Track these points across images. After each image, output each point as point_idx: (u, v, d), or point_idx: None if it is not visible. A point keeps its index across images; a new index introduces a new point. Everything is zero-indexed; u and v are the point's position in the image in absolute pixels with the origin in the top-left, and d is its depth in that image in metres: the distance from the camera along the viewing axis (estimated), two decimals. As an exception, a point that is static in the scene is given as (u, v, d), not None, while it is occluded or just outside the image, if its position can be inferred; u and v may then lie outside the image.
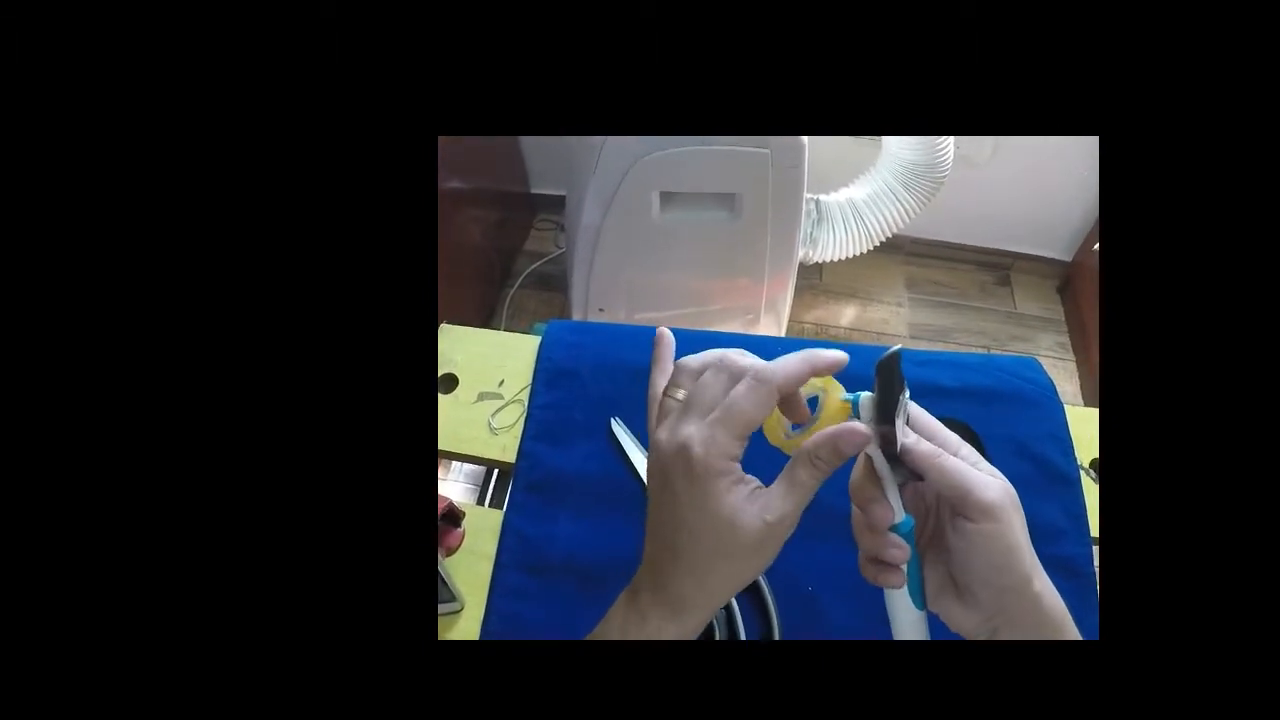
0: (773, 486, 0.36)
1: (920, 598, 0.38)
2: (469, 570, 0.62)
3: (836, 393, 0.37)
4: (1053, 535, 0.61)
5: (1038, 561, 0.36)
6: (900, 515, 0.37)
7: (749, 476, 0.36)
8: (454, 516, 0.62)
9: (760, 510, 0.35)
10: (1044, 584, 0.37)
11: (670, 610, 0.37)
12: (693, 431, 0.35)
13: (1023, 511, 0.36)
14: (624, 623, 0.37)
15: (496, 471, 0.81)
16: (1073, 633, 0.37)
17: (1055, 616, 0.36)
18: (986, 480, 0.36)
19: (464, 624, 0.60)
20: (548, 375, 0.70)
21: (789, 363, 0.35)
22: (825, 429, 0.35)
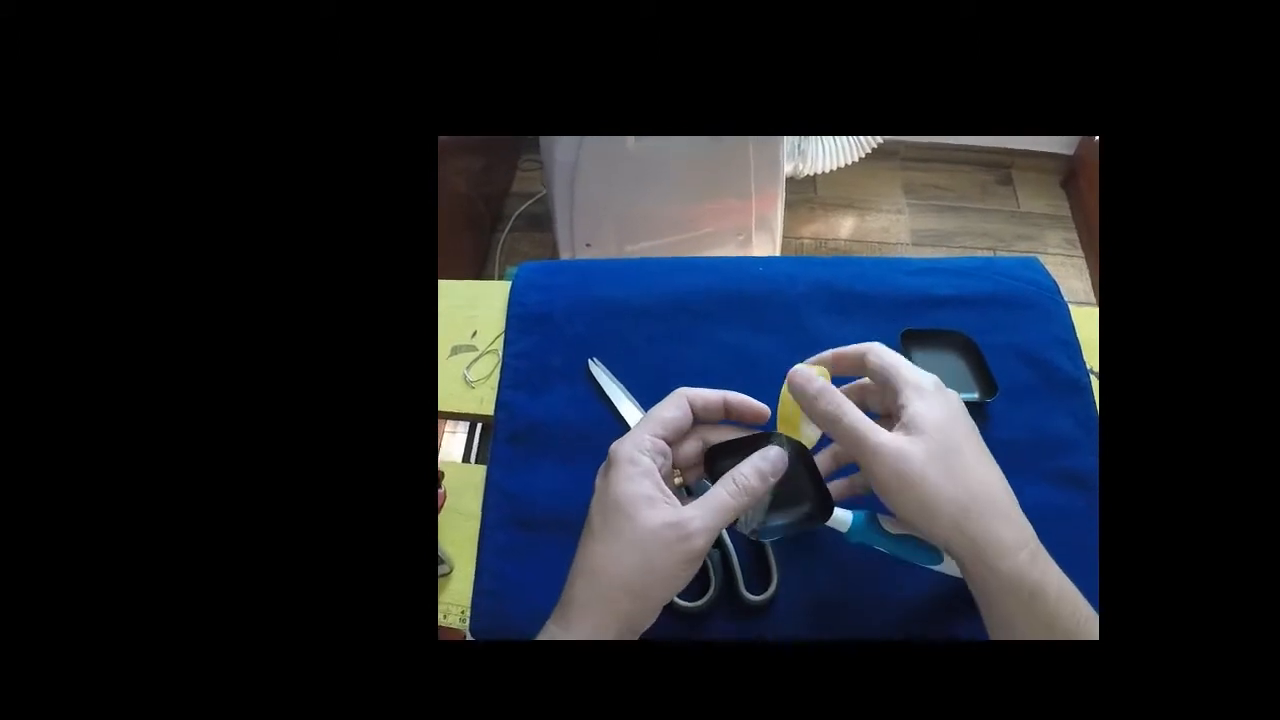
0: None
1: (925, 555, 0.39)
2: (456, 530, 0.60)
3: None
4: (1064, 448, 0.57)
5: (992, 512, 0.35)
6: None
7: (669, 492, 0.37)
8: (432, 477, 0.59)
9: (663, 507, 0.35)
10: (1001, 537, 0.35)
11: (559, 612, 0.37)
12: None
13: (956, 448, 0.36)
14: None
15: (481, 426, 0.78)
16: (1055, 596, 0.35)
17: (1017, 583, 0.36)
18: (878, 447, 0.35)
19: (456, 585, 0.59)
20: (520, 321, 0.66)
21: (707, 393, 0.41)
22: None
